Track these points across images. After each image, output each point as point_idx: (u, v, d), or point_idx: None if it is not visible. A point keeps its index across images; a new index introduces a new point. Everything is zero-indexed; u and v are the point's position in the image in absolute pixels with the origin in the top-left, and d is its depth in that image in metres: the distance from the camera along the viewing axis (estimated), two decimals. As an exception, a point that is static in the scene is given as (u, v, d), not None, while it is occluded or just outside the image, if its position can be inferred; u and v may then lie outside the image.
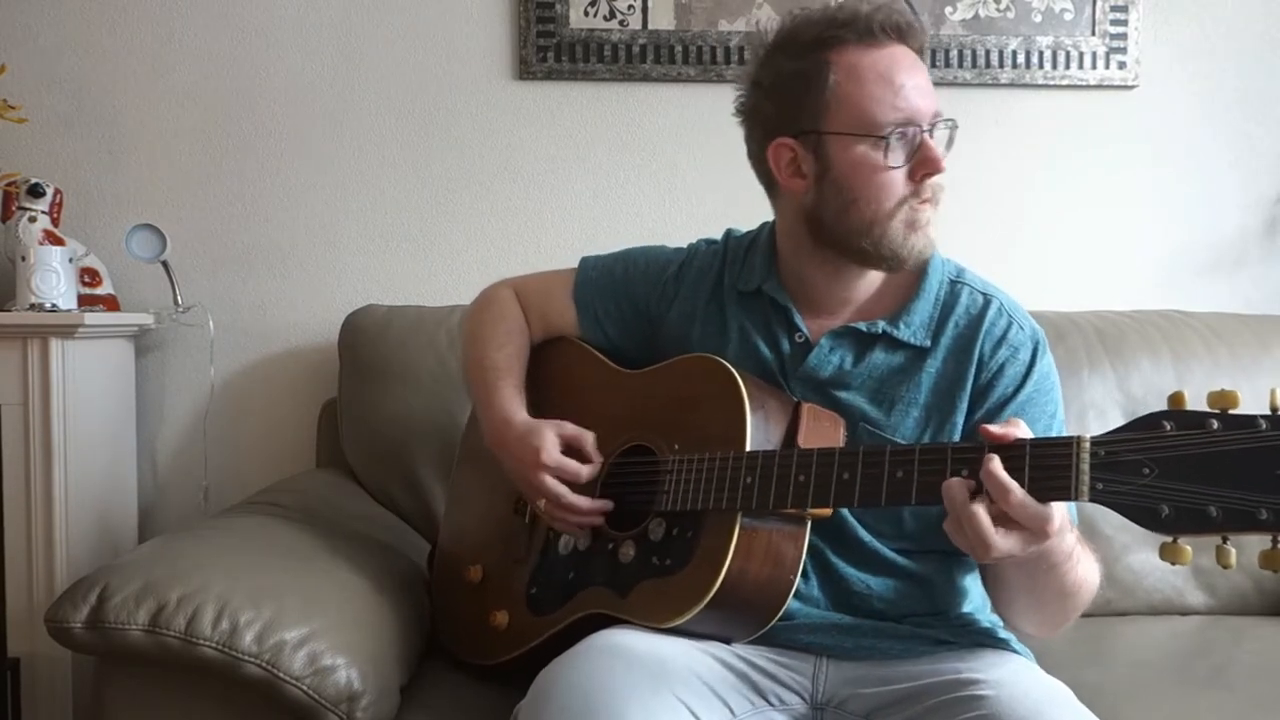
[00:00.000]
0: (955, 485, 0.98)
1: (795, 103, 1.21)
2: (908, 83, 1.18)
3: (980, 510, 0.96)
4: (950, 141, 1.22)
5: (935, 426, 1.22)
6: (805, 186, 1.23)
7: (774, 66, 1.24)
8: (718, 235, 1.44)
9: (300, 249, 2.11)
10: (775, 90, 1.23)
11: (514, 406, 1.36)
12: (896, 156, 1.17)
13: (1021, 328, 1.26)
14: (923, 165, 1.18)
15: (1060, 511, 0.97)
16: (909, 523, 1.22)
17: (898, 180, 1.18)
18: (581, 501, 1.26)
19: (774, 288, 1.30)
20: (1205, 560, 1.75)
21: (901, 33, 1.19)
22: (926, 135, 1.18)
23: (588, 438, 1.30)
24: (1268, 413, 0.84)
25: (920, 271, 1.27)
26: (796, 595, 1.17)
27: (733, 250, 1.39)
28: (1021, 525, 0.96)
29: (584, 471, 1.27)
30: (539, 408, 1.38)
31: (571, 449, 1.29)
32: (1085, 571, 1.11)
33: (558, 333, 1.47)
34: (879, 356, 1.25)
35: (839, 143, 1.19)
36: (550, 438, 1.29)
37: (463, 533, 1.51)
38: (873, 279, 1.28)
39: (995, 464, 0.96)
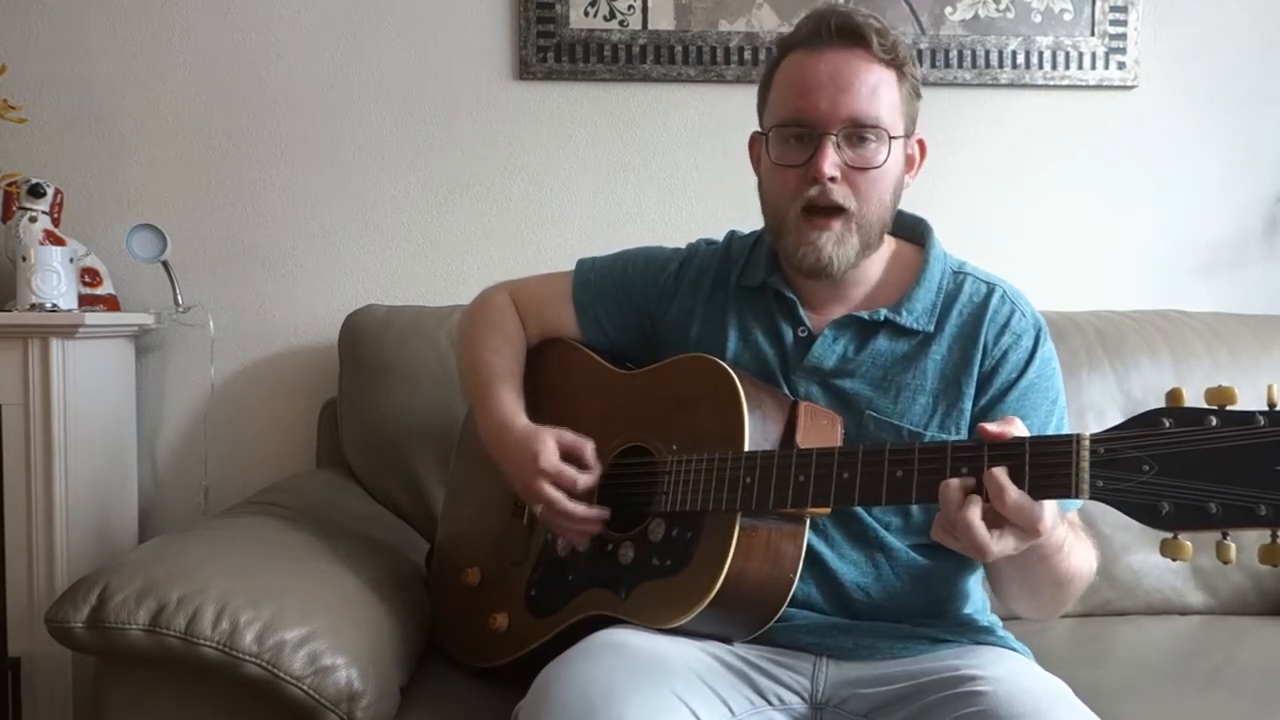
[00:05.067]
0: (953, 487, 0.98)
1: (761, 100, 1.30)
2: (822, 85, 1.18)
3: (975, 514, 0.96)
4: (888, 155, 1.20)
5: (943, 413, 1.23)
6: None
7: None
8: (718, 235, 1.44)
9: (300, 249, 2.11)
10: (758, 89, 1.31)
11: (513, 411, 1.36)
12: (785, 155, 1.22)
13: (1024, 315, 1.27)
14: (808, 167, 1.20)
15: (1051, 509, 0.98)
16: (917, 514, 1.23)
17: (788, 178, 1.22)
18: (578, 509, 1.24)
19: (778, 281, 1.31)
20: (1205, 560, 1.79)
21: (848, 35, 1.20)
22: (827, 140, 1.18)
23: (587, 446, 1.29)
24: (1265, 409, 0.84)
25: (921, 261, 1.29)
26: (795, 598, 1.17)
27: (736, 248, 1.39)
28: (1015, 524, 0.96)
29: (580, 480, 1.26)
30: (535, 411, 1.37)
31: (570, 456, 1.28)
32: (1079, 561, 1.13)
33: (555, 336, 1.46)
34: (882, 344, 1.25)
35: (766, 140, 1.26)
36: (549, 444, 1.27)
37: (460, 535, 1.51)
38: (868, 271, 1.28)
39: (1000, 470, 0.96)
